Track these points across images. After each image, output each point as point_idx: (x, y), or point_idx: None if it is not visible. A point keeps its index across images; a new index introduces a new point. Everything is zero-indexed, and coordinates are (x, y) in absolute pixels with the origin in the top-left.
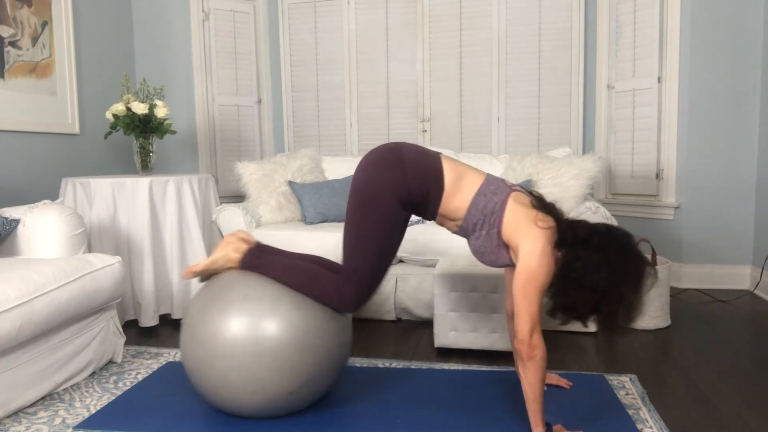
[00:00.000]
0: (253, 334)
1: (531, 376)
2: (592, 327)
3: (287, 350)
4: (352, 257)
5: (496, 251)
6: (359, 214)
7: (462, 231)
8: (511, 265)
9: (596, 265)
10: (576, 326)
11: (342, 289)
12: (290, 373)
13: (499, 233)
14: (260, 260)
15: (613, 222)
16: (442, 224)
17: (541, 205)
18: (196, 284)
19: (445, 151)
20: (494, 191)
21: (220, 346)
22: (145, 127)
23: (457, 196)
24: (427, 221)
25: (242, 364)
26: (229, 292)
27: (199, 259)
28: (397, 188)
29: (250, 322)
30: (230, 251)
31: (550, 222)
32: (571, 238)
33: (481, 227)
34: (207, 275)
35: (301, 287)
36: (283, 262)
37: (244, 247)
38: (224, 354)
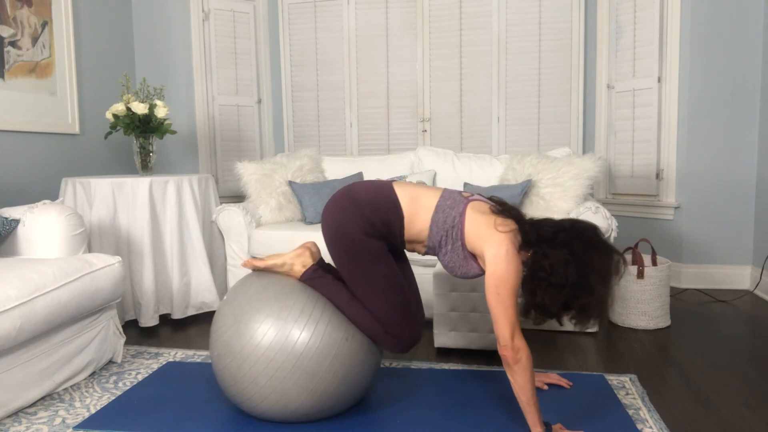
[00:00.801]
0: (290, 345)
1: (520, 379)
2: (592, 327)
3: (318, 370)
4: (373, 306)
5: (465, 263)
6: (347, 264)
7: (430, 250)
8: (482, 274)
9: (563, 261)
10: (576, 326)
11: (388, 333)
12: (316, 394)
13: (463, 245)
14: (317, 283)
15: (614, 222)
16: (412, 250)
17: (500, 209)
18: (204, 281)
19: (445, 152)
20: (451, 205)
21: (260, 349)
22: (145, 127)
23: (417, 218)
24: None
25: (274, 374)
26: (292, 299)
27: (199, 259)
28: (360, 225)
29: (288, 332)
30: (299, 265)
31: (510, 225)
32: (536, 237)
33: (446, 243)
34: (267, 272)
35: (355, 320)
36: (338, 297)
37: (310, 262)
38: (260, 359)
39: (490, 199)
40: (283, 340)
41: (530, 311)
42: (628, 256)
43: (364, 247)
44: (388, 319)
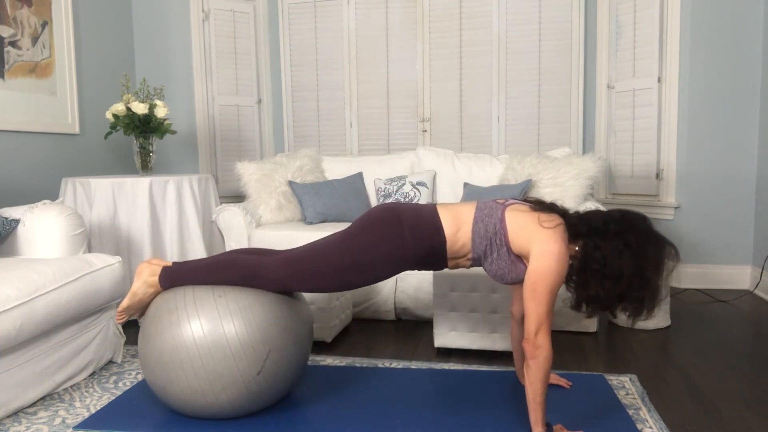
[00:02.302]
0: (194, 337)
1: (532, 375)
2: (592, 327)
3: (232, 337)
4: (314, 249)
5: (514, 268)
6: (351, 247)
7: (475, 262)
8: None
9: (617, 252)
10: (576, 326)
11: (269, 264)
12: (247, 357)
13: (509, 249)
14: (178, 273)
15: None
16: (456, 266)
17: (541, 206)
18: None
19: (445, 152)
20: (488, 214)
21: (171, 362)
22: (145, 127)
23: (458, 235)
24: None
25: (197, 366)
26: (157, 316)
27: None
28: (400, 251)
29: (188, 328)
30: (146, 276)
31: (556, 219)
32: (586, 229)
33: (491, 251)
34: (139, 311)
35: (228, 277)
36: (201, 264)
37: (157, 269)
38: (177, 366)
39: (525, 200)
40: (193, 338)
41: (582, 304)
42: None
43: (378, 261)
44: (289, 267)
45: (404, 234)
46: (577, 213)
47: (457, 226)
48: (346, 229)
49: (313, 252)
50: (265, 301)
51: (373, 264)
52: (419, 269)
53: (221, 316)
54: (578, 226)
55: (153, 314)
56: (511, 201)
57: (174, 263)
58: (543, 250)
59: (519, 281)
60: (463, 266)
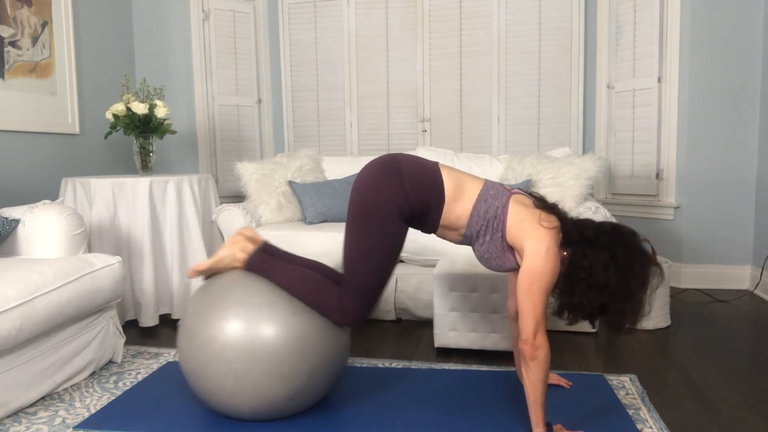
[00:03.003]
0: (249, 340)
1: (533, 376)
2: (592, 327)
3: (284, 356)
4: (353, 270)
5: (502, 256)
6: (359, 228)
7: (466, 239)
8: (518, 269)
9: (603, 263)
10: (576, 326)
11: (343, 303)
12: (288, 378)
13: (503, 237)
14: (265, 264)
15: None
16: (443, 236)
17: (544, 205)
18: (196, 284)
19: (445, 152)
20: (494, 196)
21: (217, 352)
22: (145, 127)
23: (458, 204)
24: (427, 234)
25: (239, 369)
26: (228, 296)
27: (199, 259)
28: (397, 201)
29: (247, 327)
30: (237, 251)
31: (554, 221)
32: (578, 237)
33: (485, 233)
34: (211, 274)
35: (303, 296)
36: (288, 269)
37: (250, 247)
38: (221, 359)
39: (530, 194)
40: (239, 339)
41: (564, 311)
42: None
43: (388, 226)
44: (362, 289)
45: (404, 183)
46: (572, 219)
47: (459, 195)
48: (353, 208)
49: (356, 264)
50: (319, 330)
51: (389, 229)
52: (412, 226)
53: (287, 332)
54: (571, 233)
55: (225, 295)
56: (516, 190)
57: (265, 248)
58: (539, 249)
59: (503, 269)
60: (451, 239)
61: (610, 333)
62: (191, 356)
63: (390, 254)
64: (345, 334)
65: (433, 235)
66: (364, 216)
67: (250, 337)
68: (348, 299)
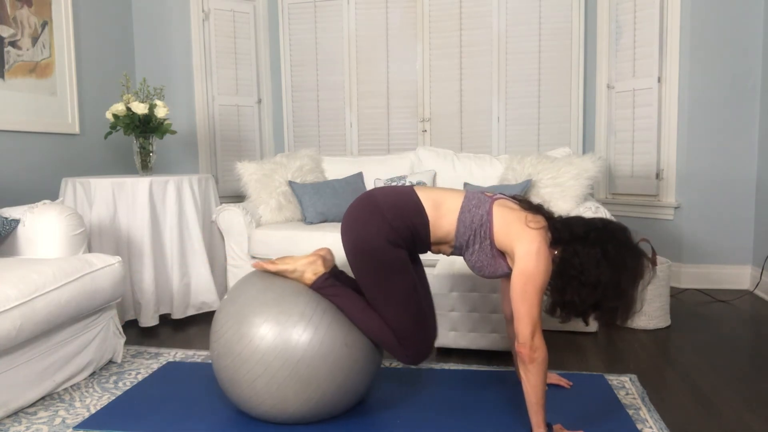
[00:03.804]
0: (292, 351)
1: (533, 379)
2: (592, 327)
3: (320, 375)
4: (390, 318)
5: (494, 262)
6: (367, 276)
7: (456, 251)
8: (510, 273)
9: (595, 260)
10: (576, 326)
11: (403, 347)
12: (311, 391)
13: (492, 243)
14: (334, 289)
15: None
16: (438, 252)
17: (529, 206)
18: (196, 283)
19: (445, 152)
20: (476, 205)
21: (262, 360)
22: (145, 127)
23: (443, 221)
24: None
25: (271, 375)
26: (291, 305)
27: (199, 259)
28: (383, 232)
29: (300, 339)
30: (310, 273)
31: (541, 222)
32: (568, 235)
33: (473, 242)
34: (277, 274)
35: (366, 331)
36: (356, 301)
37: (321, 270)
38: (257, 361)
39: (513, 198)
40: (282, 344)
41: (556, 309)
42: None
43: (386, 257)
44: (404, 331)
45: (385, 217)
46: (560, 218)
47: (440, 213)
48: (349, 256)
49: (386, 308)
50: (368, 361)
51: (390, 261)
52: (407, 250)
53: (332, 352)
54: (561, 231)
55: (281, 300)
56: (498, 195)
57: (332, 273)
58: (529, 250)
59: (496, 276)
60: (444, 253)
61: (608, 329)
62: (231, 354)
63: (405, 284)
64: (377, 360)
65: None
66: (363, 260)
67: (289, 346)
68: (405, 343)
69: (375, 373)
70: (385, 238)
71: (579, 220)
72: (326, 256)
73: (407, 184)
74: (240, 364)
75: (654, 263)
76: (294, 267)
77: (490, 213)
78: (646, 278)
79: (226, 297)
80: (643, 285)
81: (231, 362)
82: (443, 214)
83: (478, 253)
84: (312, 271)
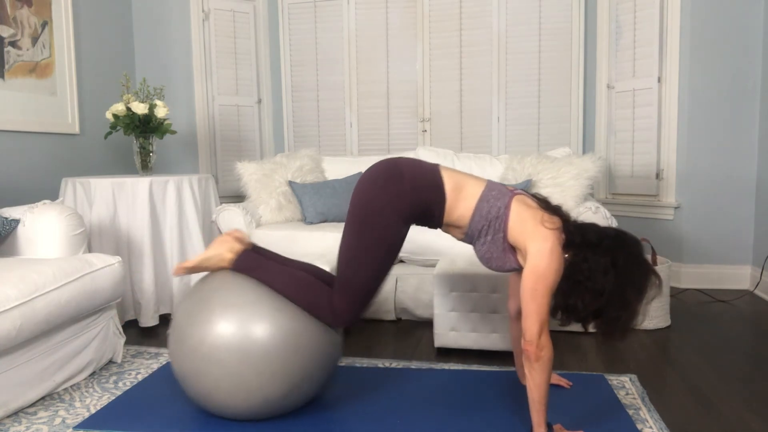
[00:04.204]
0: (239, 341)
1: (538, 377)
2: (592, 327)
3: (275, 354)
4: (347, 271)
5: (503, 256)
6: (358, 230)
7: (467, 238)
8: (518, 269)
9: (603, 269)
10: (577, 326)
11: (334, 303)
12: (280, 376)
13: (504, 237)
14: (253, 263)
15: (614, 222)
16: (447, 232)
17: (547, 206)
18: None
19: (445, 152)
20: (496, 196)
21: (207, 355)
22: (145, 127)
23: (460, 204)
24: (433, 229)
25: (232, 371)
26: (213, 299)
27: None
28: (397, 203)
29: (236, 328)
30: (224, 251)
31: (557, 223)
32: (580, 240)
33: (486, 233)
34: (198, 272)
35: (292, 296)
36: (277, 269)
37: (238, 247)
38: (213, 362)
39: (534, 196)
40: (229, 341)
41: (558, 312)
42: None
43: (387, 231)
44: (356, 290)
45: (405, 183)
46: (576, 222)
47: (460, 196)
48: (353, 210)
49: (352, 265)
50: (309, 326)
51: (388, 231)
52: (417, 224)
53: (275, 329)
54: (574, 235)
55: (211, 298)
56: (519, 191)
57: (253, 250)
58: (542, 248)
59: (503, 270)
60: (454, 236)
61: (608, 339)
62: (183, 362)
63: (386, 257)
64: (335, 331)
65: (432, 236)
66: (364, 219)
67: (239, 337)
68: (340, 300)
69: (336, 349)
70: (397, 211)
71: (593, 226)
72: (235, 234)
73: None
74: (200, 362)
75: (657, 275)
76: (208, 254)
77: (508, 207)
78: (651, 294)
79: (178, 304)
80: (647, 299)
81: (192, 361)
82: (462, 198)
83: (489, 244)
84: (227, 249)
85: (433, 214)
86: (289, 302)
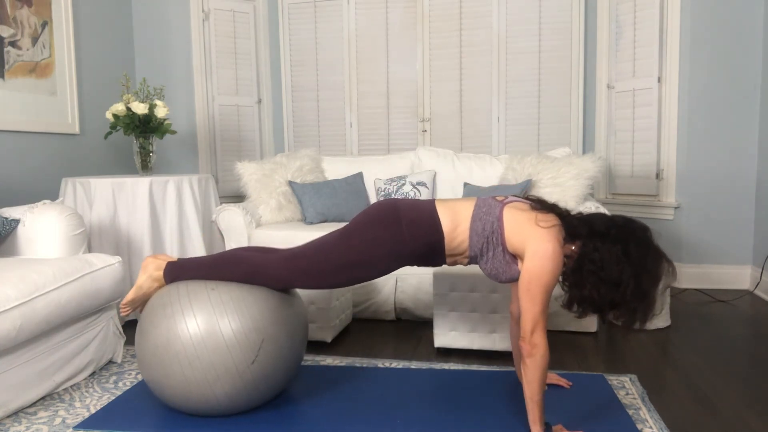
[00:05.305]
0: (186, 329)
1: (530, 374)
2: (592, 327)
3: (223, 327)
4: (310, 249)
5: (509, 268)
6: (353, 247)
7: (472, 260)
8: None
9: (615, 257)
10: (577, 326)
11: (272, 260)
12: (238, 347)
13: (504, 249)
14: (183, 268)
15: None
16: (454, 263)
17: (541, 206)
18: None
19: (445, 152)
20: (486, 212)
21: (165, 357)
22: (145, 127)
23: (456, 232)
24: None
25: (190, 358)
26: (152, 311)
27: None
28: (398, 248)
29: (180, 320)
30: (152, 270)
31: (552, 220)
32: (587, 230)
33: (487, 249)
34: (143, 304)
35: (231, 273)
36: (205, 260)
37: (163, 264)
38: (171, 360)
39: (527, 198)
40: (187, 330)
41: (574, 304)
42: None
43: (381, 262)
44: (295, 264)
45: (403, 231)
46: (579, 214)
47: (456, 224)
48: (346, 226)
49: (314, 250)
50: (257, 293)
51: (372, 261)
52: (418, 265)
53: (214, 307)
54: (578, 227)
55: (148, 309)
56: (511, 198)
57: (179, 259)
58: (537, 249)
59: (514, 280)
60: (461, 263)
61: (627, 329)
62: (153, 376)
63: (357, 271)
64: (295, 299)
65: None
66: (361, 240)
67: (185, 327)
68: (282, 261)
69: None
70: (395, 253)
71: (600, 216)
72: (161, 256)
73: (407, 184)
74: (168, 366)
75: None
76: (139, 282)
77: (500, 219)
78: (666, 281)
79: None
80: (663, 286)
81: (159, 360)
82: (457, 225)
83: (492, 260)
84: (154, 268)
85: (435, 251)
86: (249, 289)
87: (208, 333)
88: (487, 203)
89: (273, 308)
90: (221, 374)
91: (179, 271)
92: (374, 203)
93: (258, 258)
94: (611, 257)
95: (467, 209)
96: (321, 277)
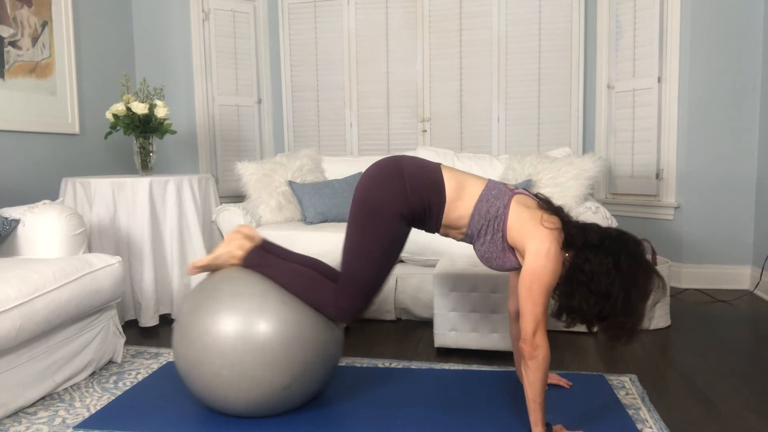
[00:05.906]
0: (242, 331)
1: (531, 375)
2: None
3: (277, 345)
4: (350, 268)
5: (502, 255)
6: (360, 228)
7: (467, 238)
8: (519, 268)
9: (606, 270)
10: (577, 326)
11: (338, 299)
12: (282, 368)
13: (504, 237)
14: (262, 260)
15: (614, 222)
16: (446, 235)
17: (548, 206)
18: (197, 282)
19: (445, 152)
20: (496, 196)
21: (210, 345)
22: (145, 127)
23: (459, 204)
24: (431, 233)
25: (233, 361)
26: (219, 290)
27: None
28: (397, 203)
29: (240, 319)
30: (234, 248)
31: (556, 223)
32: (581, 240)
33: (486, 232)
34: (210, 270)
35: (299, 292)
36: (284, 265)
37: (248, 245)
38: (215, 352)
39: (536, 195)
40: (232, 331)
41: (562, 313)
42: None
43: (389, 230)
44: (359, 287)
45: (405, 185)
46: (578, 223)
47: (460, 195)
48: (354, 207)
49: (355, 262)
50: (320, 324)
51: (389, 229)
52: (414, 226)
53: (279, 321)
54: (575, 237)
55: (216, 286)
56: (520, 190)
57: (263, 245)
58: (539, 249)
59: (504, 269)
60: (454, 237)
61: (614, 342)
62: (186, 353)
63: (389, 254)
64: (336, 327)
65: (432, 236)
66: (366, 215)
67: (244, 328)
68: (343, 296)
69: (338, 349)
70: (398, 211)
71: (595, 227)
72: (244, 231)
73: None
74: (204, 359)
75: (654, 263)
76: (218, 252)
77: (507, 207)
78: (655, 297)
79: (184, 301)
80: (652, 302)
81: (195, 355)
82: (462, 197)
83: (488, 244)
84: (237, 247)
85: (431, 216)
86: (293, 296)
87: (261, 344)
88: (498, 187)
89: (324, 341)
90: (253, 386)
91: (260, 264)
92: (377, 162)
93: (330, 295)
94: (602, 269)
95: (476, 186)
96: (375, 281)
